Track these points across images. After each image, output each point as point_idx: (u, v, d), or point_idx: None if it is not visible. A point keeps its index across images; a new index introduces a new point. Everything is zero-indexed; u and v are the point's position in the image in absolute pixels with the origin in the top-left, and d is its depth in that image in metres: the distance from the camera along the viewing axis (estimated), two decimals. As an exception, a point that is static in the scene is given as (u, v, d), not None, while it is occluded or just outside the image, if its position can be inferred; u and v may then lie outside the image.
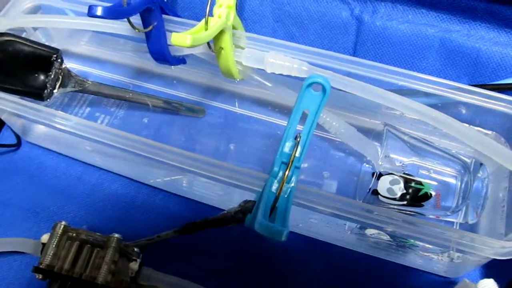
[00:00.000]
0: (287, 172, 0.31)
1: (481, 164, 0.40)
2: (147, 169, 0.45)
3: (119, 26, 0.42)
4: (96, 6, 0.35)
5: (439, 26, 0.41)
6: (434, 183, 0.39)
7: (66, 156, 0.49)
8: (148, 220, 0.45)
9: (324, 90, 0.32)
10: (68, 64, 0.52)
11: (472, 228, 0.38)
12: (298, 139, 0.32)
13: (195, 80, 0.49)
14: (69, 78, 0.43)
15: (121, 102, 0.49)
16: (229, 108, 0.48)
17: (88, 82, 0.45)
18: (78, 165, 0.48)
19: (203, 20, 0.36)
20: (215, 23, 0.37)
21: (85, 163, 0.48)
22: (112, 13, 0.36)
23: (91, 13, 0.35)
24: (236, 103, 0.48)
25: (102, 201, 0.46)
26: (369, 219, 0.32)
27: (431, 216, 0.40)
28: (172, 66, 0.44)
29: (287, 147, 0.32)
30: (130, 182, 0.47)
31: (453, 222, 0.40)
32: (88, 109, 0.50)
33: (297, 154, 0.32)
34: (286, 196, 0.31)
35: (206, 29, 0.36)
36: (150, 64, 0.44)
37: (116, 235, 0.37)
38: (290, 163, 0.31)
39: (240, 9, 0.46)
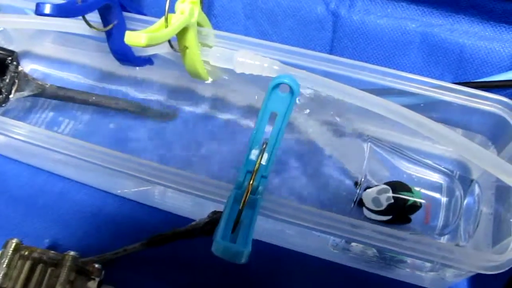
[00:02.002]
0: (251, 183, 0.28)
1: (472, 180, 0.37)
2: (114, 179, 0.42)
3: (79, 25, 0.39)
4: (44, 3, 0.32)
5: (420, 20, 0.39)
6: (423, 200, 0.37)
7: (29, 165, 0.46)
8: (116, 231, 0.42)
9: (292, 91, 0.29)
10: (31, 66, 0.49)
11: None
12: (265, 146, 0.29)
13: (164, 81, 0.46)
14: (27, 82, 0.40)
15: (86, 106, 0.46)
16: (201, 110, 0.45)
17: (47, 85, 0.42)
18: (42, 174, 0.45)
19: (164, 17, 0.34)
20: (177, 20, 0.34)
21: (48, 172, 0.45)
22: (63, 11, 0.33)
23: (38, 12, 0.32)
24: (208, 105, 0.45)
25: (66, 212, 0.43)
26: (347, 232, 0.29)
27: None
28: (138, 67, 0.41)
29: (253, 154, 0.30)
30: (97, 191, 0.44)
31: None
32: (51, 113, 0.46)
33: (263, 162, 0.29)
34: (251, 210, 0.28)
35: (166, 26, 0.33)
36: (117, 65, 0.42)
37: (72, 252, 0.34)
38: (255, 173, 0.28)
39: (208, 5, 0.43)
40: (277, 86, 0.29)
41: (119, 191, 0.43)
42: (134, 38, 0.30)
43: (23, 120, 0.45)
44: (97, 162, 0.33)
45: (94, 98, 0.43)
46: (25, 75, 0.40)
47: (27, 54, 0.49)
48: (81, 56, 0.49)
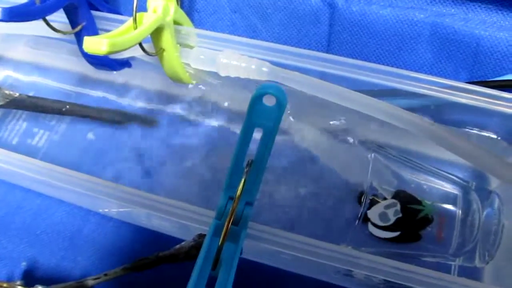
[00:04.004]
0: (232, 212, 0.24)
1: (491, 191, 0.33)
2: (94, 200, 0.38)
3: (47, 28, 0.35)
4: (-7, 7, 0.28)
5: (430, 10, 0.34)
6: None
7: (4, 181, 0.42)
8: (97, 253, 0.39)
9: (279, 103, 0.25)
10: (4, 71, 0.45)
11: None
12: (247, 168, 0.25)
13: (145, 85, 0.42)
14: (-8, 92, 0.37)
15: (62, 115, 0.42)
16: (186, 117, 0.41)
17: (16, 95, 0.38)
18: (19, 191, 0.42)
19: (132, 17, 0.29)
20: (148, 19, 0.30)
21: (26, 188, 0.42)
22: (17, 15, 0.29)
23: (-13, 16, 0.28)
24: (194, 111, 0.41)
25: (44, 232, 0.40)
26: (345, 263, 0.26)
27: (429, 259, 0.33)
28: (115, 71, 0.37)
29: (235, 176, 0.25)
30: (77, 208, 0.40)
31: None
32: (25, 124, 0.42)
33: (248, 186, 0.25)
34: (233, 244, 0.24)
35: (136, 28, 0.29)
36: (94, 69, 0.38)
37: (39, 287, 0.30)
38: (237, 199, 0.24)
39: (190, -1, 0.39)
40: (260, 97, 0.24)
41: (100, 210, 0.39)
42: (93, 44, 0.26)
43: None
44: (70, 187, 0.30)
45: (68, 107, 0.39)
46: (-10, 84, 0.36)
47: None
48: (58, 60, 0.45)
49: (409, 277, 0.25)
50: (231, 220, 0.24)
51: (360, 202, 0.33)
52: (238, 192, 0.24)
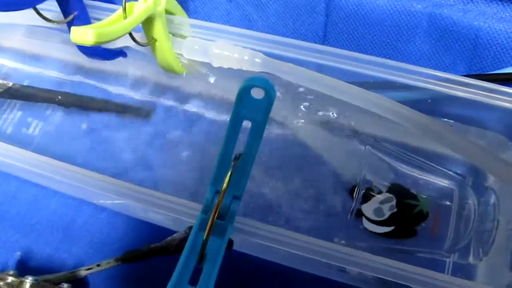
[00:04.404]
0: (218, 205, 0.24)
1: (487, 187, 0.32)
2: (88, 191, 0.38)
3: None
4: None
5: (428, 0, 0.33)
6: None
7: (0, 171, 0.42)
8: (91, 243, 0.39)
9: (267, 95, 0.24)
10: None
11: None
12: (233, 162, 0.24)
13: (140, 75, 0.42)
14: (-16, 82, 0.36)
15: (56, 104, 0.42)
16: (181, 107, 0.40)
17: (10, 84, 0.38)
18: (14, 181, 0.41)
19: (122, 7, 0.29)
20: (138, 9, 0.29)
21: (21, 178, 0.42)
22: (7, 5, 0.28)
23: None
24: (189, 101, 0.40)
25: (39, 222, 0.40)
26: (339, 260, 0.25)
27: (423, 255, 0.32)
28: (108, 61, 0.37)
29: (223, 170, 0.25)
30: (72, 198, 0.40)
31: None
32: (20, 113, 0.42)
33: (235, 180, 0.25)
34: (219, 238, 0.24)
35: (125, 17, 0.29)
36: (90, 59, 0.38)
37: (29, 278, 0.30)
38: (223, 193, 0.24)
39: (184, -12, 0.38)
40: (248, 89, 0.24)
41: (95, 201, 0.39)
42: (80, 35, 0.25)
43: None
44: (65, 180, 0.30)
45: (60, 97, 0.39)
46: (-17, 74, 0.36)
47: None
48: (53, 50, 0.45)
49: (401, 275, 0.25)
50: (216, 215, 0.23)
51: (352, 196, 0.33)
52: (224, 185, 0.24)
